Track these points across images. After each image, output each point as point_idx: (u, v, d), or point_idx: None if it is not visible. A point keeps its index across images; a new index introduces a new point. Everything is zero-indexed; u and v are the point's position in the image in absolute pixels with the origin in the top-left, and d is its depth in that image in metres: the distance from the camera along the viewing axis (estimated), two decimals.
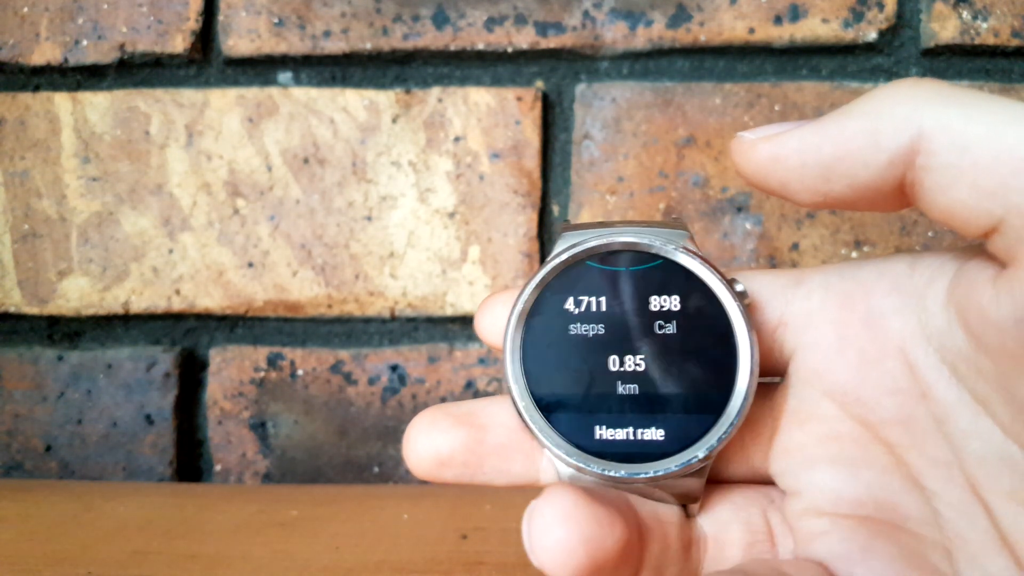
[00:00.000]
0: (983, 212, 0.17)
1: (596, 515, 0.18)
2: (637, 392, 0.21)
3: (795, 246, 0.46)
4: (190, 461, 0.49)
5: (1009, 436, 0.19)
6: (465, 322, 0.48)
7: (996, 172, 0.17)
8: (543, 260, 0.47)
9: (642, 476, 0.20)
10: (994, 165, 0.17)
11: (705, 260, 0.22)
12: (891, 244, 0.46)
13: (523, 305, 0.22)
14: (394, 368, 0.48)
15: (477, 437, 0.22)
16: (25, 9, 0.48)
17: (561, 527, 0.18)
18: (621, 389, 0.21)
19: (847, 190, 0.19)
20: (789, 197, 0.21)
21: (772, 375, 0.23)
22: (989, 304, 0.18)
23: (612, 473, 0.20)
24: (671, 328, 0.22)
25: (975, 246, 0.19)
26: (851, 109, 0.19)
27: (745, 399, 0.21)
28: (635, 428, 0.21)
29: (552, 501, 0.18)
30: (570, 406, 0.21)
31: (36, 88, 0.49)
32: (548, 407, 0.21)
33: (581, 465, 0.20)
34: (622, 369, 0.21)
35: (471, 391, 0.48)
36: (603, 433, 0.21)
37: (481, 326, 0.23)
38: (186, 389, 0.49)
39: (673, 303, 0.22)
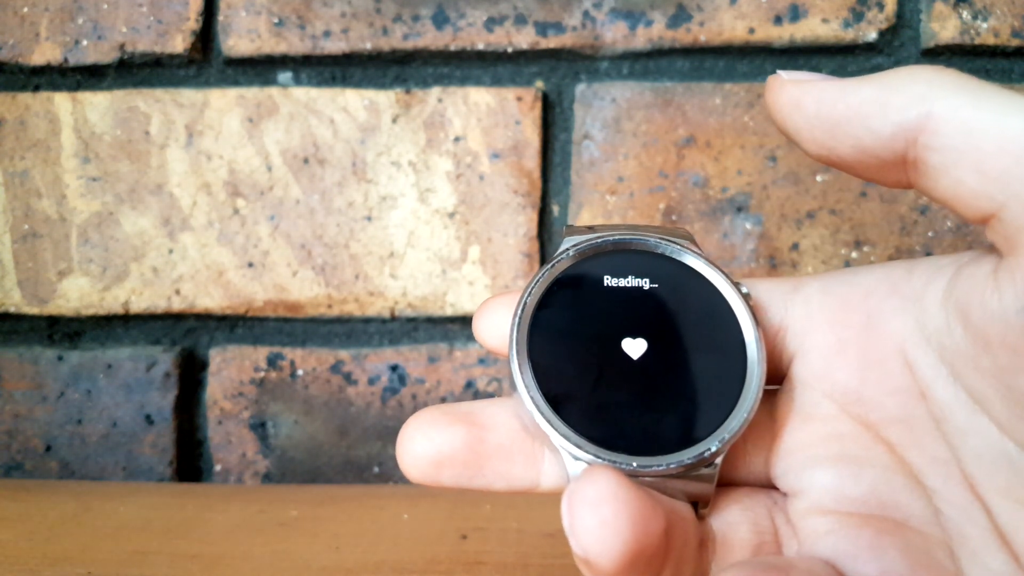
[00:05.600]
0: (984, 197, 0.17)
1: (640, 497, 0.17)
2: (647, 388, 0.21)
3: (795, 246, 0.46)
4: (190, 461, 0.49)
5: (1005, 433, 0.19)
6: (465, 322, 0.48)
7: (999, 158, 0.17)
8: (543, 260, 0.47)
9: (655, 468, 0.20)
10: (997, 151, 0.17)
11: (709, 260, 0.23)
12: (891, 244, 0.46)
13: (529, 299, 0.22)
14: (394, 368, 0.48)
15: (478, 436, 0.21)
16: (25, 9, 0.48)
17: (608, 506, 0.17)
18: (631, 385, 0.21)
19: (851, 151, 0.20)
20: (800, 145, 0.21)
21: (772, 382, 0.23)
22: (990, 296, 0.18)
23: (624, 465, 0.20)
24: (679, 326, 0.22)
25: (973, 249, 0.20)
26: (872, 77, 0.20)
27: (756, 393, 0.21)
28: (646, 423, 0.21)
29: (595, 481, 0.17)
30: (578, 400, 0.21)
31: (36, 88, 0.49)
32: (556, 400, 0.21)
33: (592, 457, 0.20)
34: (631, 365, 0.21)
35: (471, 391, 0.48)
36: (613, 427, 0.20)
37: (481, 329, 0.23)
38: (186, 389, 0.49)
39: (680, 301, 0.22)
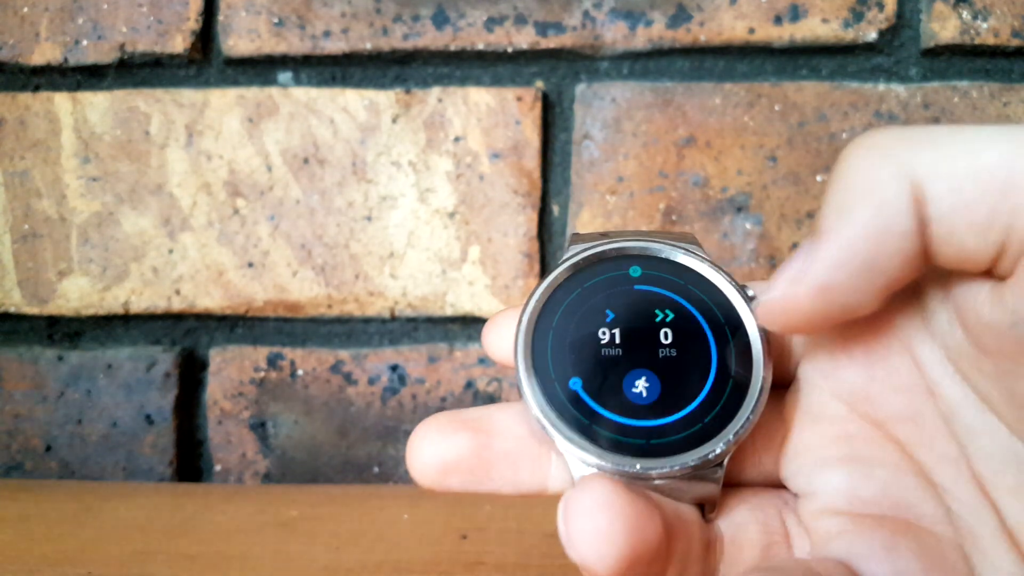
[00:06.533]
0: (984, 248, 0.17)
1: (636, 504, 0.18)
2: (652, 391, 0.21)
3: (795, 246, 0.46)
4: (190, 461, 0.49)
5: (1014, 433, 0.19)
6: (465, 322, 0.48)
7: (984, 201, 0.16)
8: (543, 260, 0.47)
9: (660, 470, 0.20)
10: (981, 195, 0.16)
11: (716, 265, 0.23)
12: None
13: (534, 305, 0.22)
14: (394, 368, 0.48)
15: (485, 442, 0.21)
16: (25, 9, 0.48)
17: (602, 515, 0.17)
18: (636, 388, 0.21)
19: (901, 267, 0.18)
20: (856, 315, 0.19)
21: (780, 383, 0.23)
22: (983, 307, 0.18)
23: (628, 468, 0.20)
24: (684, 330, 0.22)
25: None
26: (842, 204, 0.18)
27: (760, 395, 0.21)
28: (651, 426, 0.21)
29: (590, 490, 0.18)
30: (584, 405, 0.21)
31: (36, 88, 0.49)
32: (561, 404, 0.21)
33: (596, 461, 0.20)
34: (636, 369, 0.21)
35: (471, 391, 0.48)
36: (618, 432, 0.21)
37: (489, 343, 0.23)
38: (186, 389, 0.49)
39: (686, 305, 0.22)
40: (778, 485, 0.22)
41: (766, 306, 0.20)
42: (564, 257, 0.23)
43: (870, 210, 0.17)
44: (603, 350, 0.22)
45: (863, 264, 0.18)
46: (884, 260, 0.18)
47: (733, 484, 0.22)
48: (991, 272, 0.17)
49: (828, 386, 0.22)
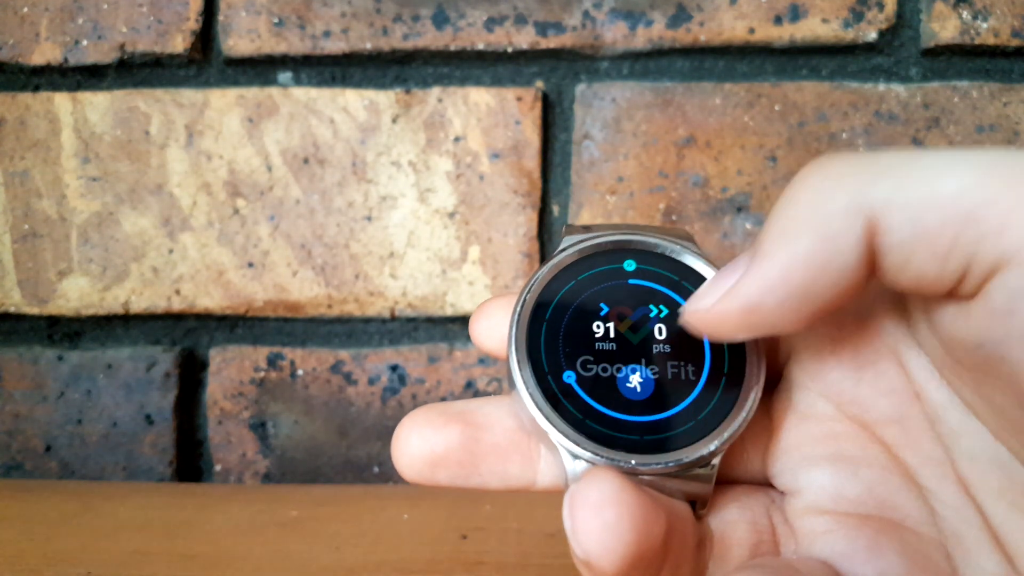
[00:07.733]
0: (946, 275, 0.17)
1: (643, 500, 0.17)
2: (647, 386, 0.21)
3: None
4: (190, 461, 0.49)
5: (997, 439, 0.19)
6: (465, 322, 0.48)
7: (945, 232, 0.16)
8: (543, 260, 0.47)
9: (653, 467, 0.20)
10: (941, 225, 0.16)
11: (709, 261, 0.23)
12: None
13: (528, 297, 0.22)
14: (394, 368, 0.48)
15: (473, 436, 0.21)
16: (25, 9, 0.48)
17: (610, 509, 0.17)
18: (630, 383, 0.21)
19: (835, 297, 0.18)
20: (781, 333, 0.20)
21: (770, 378, 0.23)
22: (951, 325, 0.18)
23: (623, 463, 0.20)
24: (679, 325, 0.22)
25: None
26: (787, 228, 0.18)
27: (754, 393, 0.21)
28: (645, 422, 0.21)
29: (597, 483, 0.17)
30: (577, 398, 0.21)
31: (36, 88, 0.49)
32: (554, 398, 0.21)
33: (590, 455, 0.20)
34: (631, 364, 0.21)
35: (471, 391, 0.48)
36: (612, 427, 0.20)
37: (478, 331, 0.22)
38: (186, 389, 0.49)
39: (680, 302, 0.22)
40: (766, 483, 0.22)
41: (693, 315, 0.20)
42: (560, 248, 0.23)
43: (814, 241, 0.17)
44: (597, 344, 0.22)
45: (796, 291, 0.18)
46: (819, 290, 0.18)
47: (723, 481, 0.22)
48: (953, 293, 0.17)
49: (816, 386, 0.22)
